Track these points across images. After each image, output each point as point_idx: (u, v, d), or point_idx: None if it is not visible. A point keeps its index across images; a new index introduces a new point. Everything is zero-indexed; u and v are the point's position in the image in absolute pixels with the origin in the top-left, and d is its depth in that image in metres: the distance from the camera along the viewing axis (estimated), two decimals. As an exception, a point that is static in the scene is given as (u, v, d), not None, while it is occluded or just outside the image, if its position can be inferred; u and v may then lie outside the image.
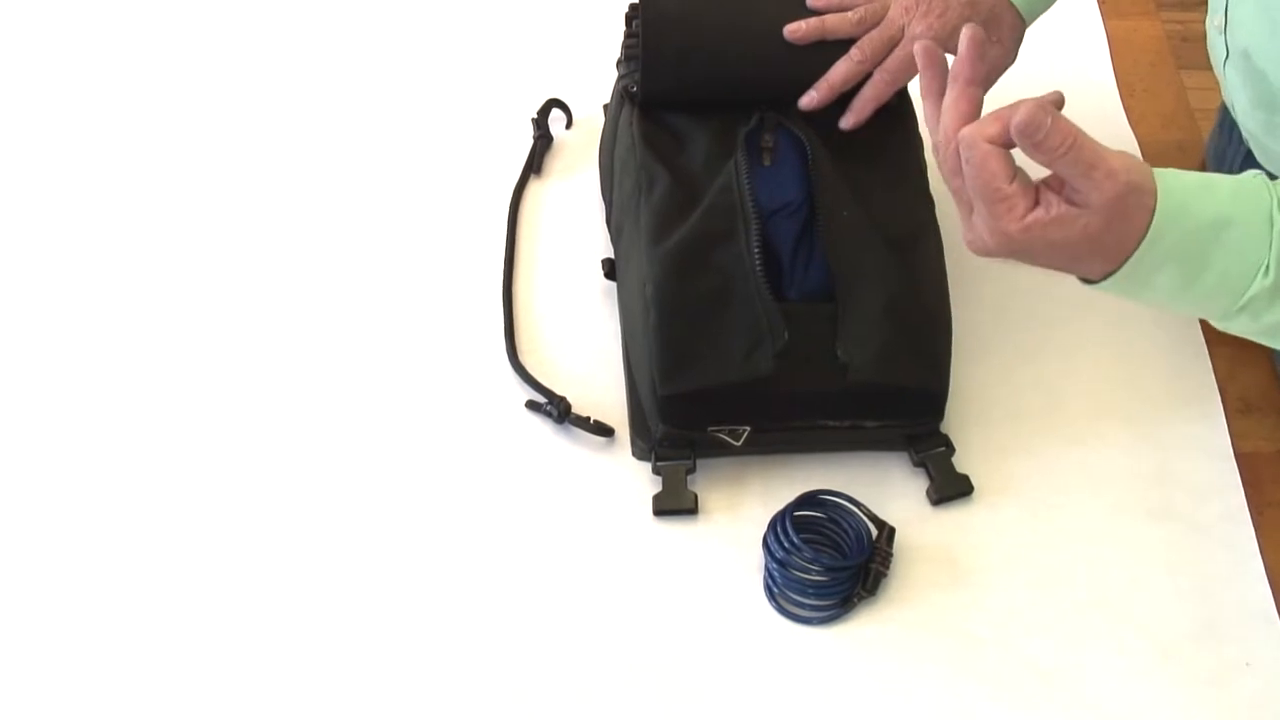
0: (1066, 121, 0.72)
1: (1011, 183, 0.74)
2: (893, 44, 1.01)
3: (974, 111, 0.77)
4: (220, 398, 1.06)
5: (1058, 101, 0.75)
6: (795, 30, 1.01)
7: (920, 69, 0.81)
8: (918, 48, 0.81)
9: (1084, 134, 0.72)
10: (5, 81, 1.32)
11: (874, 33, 1.01)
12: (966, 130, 0.75)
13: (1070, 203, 0.74)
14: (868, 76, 1.02)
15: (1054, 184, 0.76)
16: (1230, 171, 1.12)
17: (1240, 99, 1.02)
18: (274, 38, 1.33)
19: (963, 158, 0.75)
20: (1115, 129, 1.22)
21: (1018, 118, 0.71)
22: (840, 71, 1.01)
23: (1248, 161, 1.08)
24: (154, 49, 1.33)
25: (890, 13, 1.02)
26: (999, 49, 1.01)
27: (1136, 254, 0.75)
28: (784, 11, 1.03)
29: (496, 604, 0.95)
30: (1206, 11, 1.05)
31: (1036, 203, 0.75)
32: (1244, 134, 1.06)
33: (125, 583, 0.96)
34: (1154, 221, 0.74)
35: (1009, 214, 0.75)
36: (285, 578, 0.96)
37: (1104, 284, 0.79)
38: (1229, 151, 1.14)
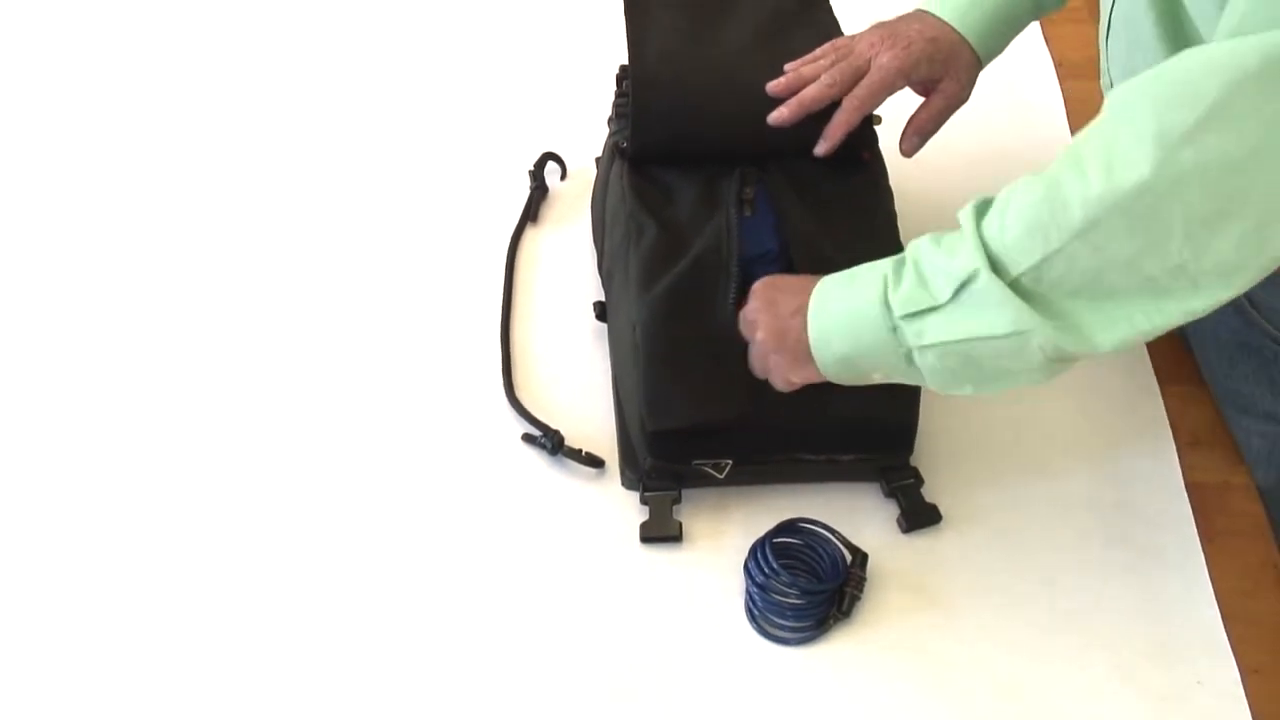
0: None
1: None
2: (860, 74, 1.02)
3: None
4: (224, 424, 1.07)
5: None
6: (779, 116, 1.02)
7: None
8: None
9: None
10: (5, 82, 1.33)
11: (843, 64, 1.02)
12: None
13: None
14: (836, 104, 1.03)
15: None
16: None
17: None
18: (285, 87, 1.35)
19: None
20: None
21: None
22: (811, 93, 1.02)
23: None
24: (165, 84, 1.35)
25: (858, 47, 1.03)
26: (955, 85, 1.03)
27: (811, 299, 0.89)
28: (765, 73, 1.04)
29: (491, 624, 0.95)
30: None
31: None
32: None
33: (117, 585, 0.97)
34: (813, 296, 0.89)
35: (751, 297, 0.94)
36: (284, 598, 0.97)
37: (824, 362, 0.89)
38: None
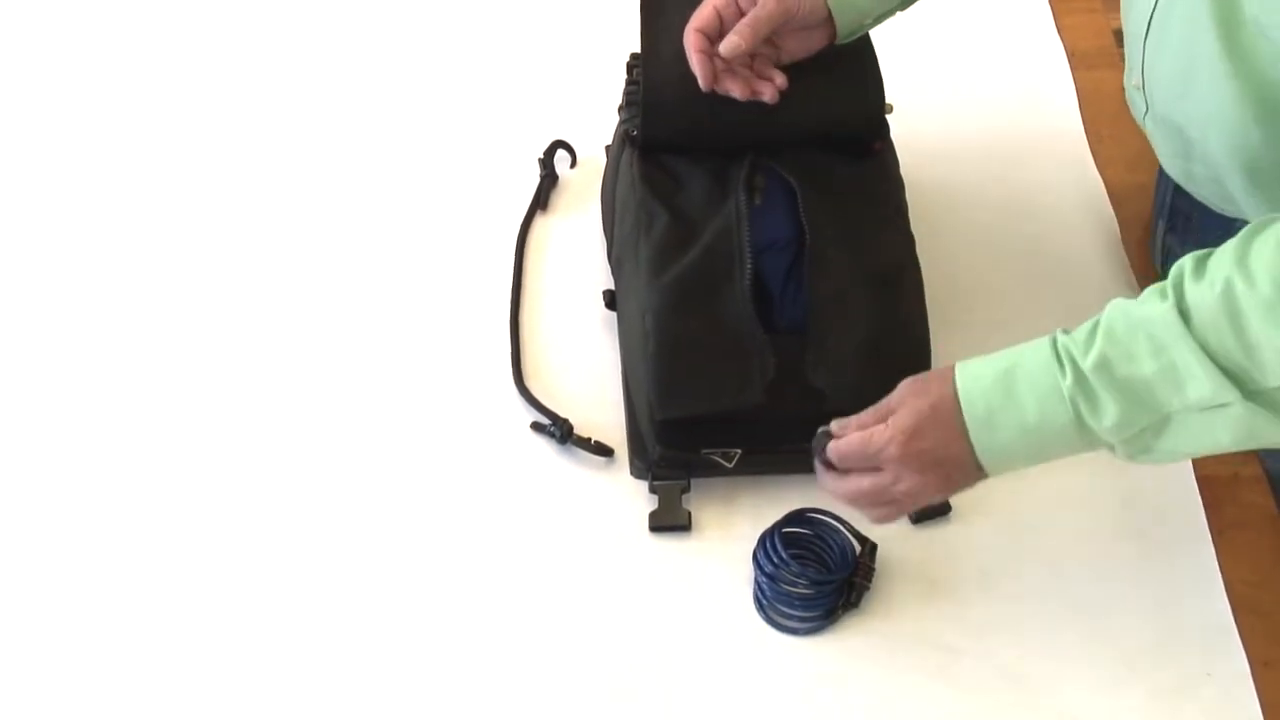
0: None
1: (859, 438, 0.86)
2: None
3: None
4: (234, 415, 1.06)
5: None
6: (704, 81, 0.99)
7: None
8: None
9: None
10: (5, 82, 1.32)
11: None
12: (832, 490, 0.89)
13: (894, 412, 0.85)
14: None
15: None
16: (1163, 203, 1.12)
17: (1161, 149, 1.02)
18: (294, 77, 1.33)
19: (850, 492, 0.88)
20: (1083, 172, 1.22)
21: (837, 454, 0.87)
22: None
23: (1177, 195, 1.08)
24: (173, 82, 1.33)
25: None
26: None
27: (967, 423, 0.82)
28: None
29: (499, 613, 0.95)
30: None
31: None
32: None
33: (123, 587, 0.97)
34: (959, 392, 0.82)
35: (880, 440, 0.84)
36: (292, 588, 0.96)
37: (988, 463, 0.83)
38: (1160, 188, 1.14)
